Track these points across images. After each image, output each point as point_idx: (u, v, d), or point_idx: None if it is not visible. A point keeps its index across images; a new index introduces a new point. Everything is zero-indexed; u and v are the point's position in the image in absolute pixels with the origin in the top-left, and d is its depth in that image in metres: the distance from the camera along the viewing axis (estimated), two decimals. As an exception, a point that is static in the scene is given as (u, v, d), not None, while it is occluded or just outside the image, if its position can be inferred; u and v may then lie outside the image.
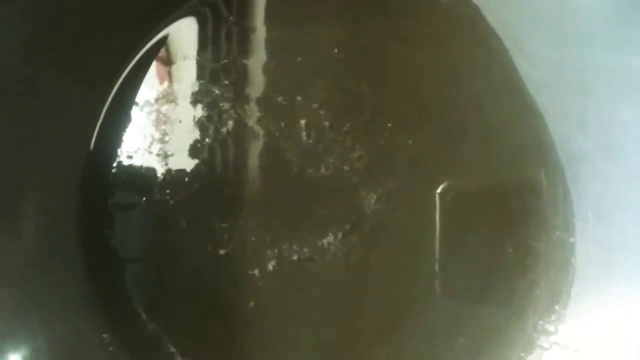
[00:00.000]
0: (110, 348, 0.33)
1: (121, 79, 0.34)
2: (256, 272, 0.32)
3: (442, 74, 0.33)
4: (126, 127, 0.34)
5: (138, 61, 0.34)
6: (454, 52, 0.34)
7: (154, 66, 0.35)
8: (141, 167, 0.34)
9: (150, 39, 0.35)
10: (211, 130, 0.34)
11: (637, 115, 0.29)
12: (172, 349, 0.33)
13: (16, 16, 0.30)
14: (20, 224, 0.32)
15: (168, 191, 0.33)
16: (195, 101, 0.34)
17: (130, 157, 0.34)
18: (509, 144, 0.33)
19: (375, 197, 0.33)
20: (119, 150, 0.34)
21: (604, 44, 0.30)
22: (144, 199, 0.34)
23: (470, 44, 0.34)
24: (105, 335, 0.33)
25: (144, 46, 0.34)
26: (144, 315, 0.33)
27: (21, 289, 0.31)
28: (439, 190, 0.32)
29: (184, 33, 0.35)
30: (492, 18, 0.34)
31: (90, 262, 0.34)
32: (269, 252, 0.33)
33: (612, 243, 0.29)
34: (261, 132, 0.33)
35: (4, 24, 0.29)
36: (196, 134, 0.34)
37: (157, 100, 0.34)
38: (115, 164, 0.34)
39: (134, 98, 0.34)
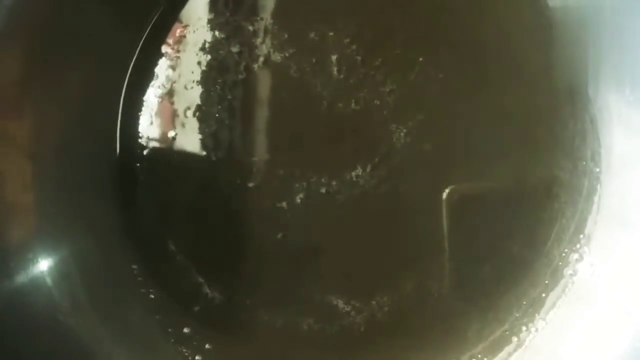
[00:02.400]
0: (140, 278, 0.34)
1: (155, 17, 0.35)
2: (284, 204, 0.33)
3: (473, 10, 0.33)
4: (158, 64, 0.35)
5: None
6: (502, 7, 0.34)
7: (186, 2, 0.35)
8: (172, 102, 0.35)
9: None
10: (242, 66, 0.34)
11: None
12: (200, 279, 0.34)
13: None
14: (58, 152, 0.33)
15: (198, 125, 0.34)
16: (227, 37, 0.34)
17: (162, 91, 0.35)
18: (538, 74, 0.33)
19: (405, 130, 0.33)
20: (151, 84, 0.35)
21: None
22: (174, 133, 0.35)
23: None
24: (134, 266, 0.34)
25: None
26: (172, 246, 0.34)
27: (53, 220, 0.32)
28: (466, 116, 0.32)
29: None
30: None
31: (121, 195, 0.34)
32: (297, 185, 0.33)
33: (637, 172, 0.29)
34: (292, 68, 0.34)
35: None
36: (228, 70, 0.34)
37: (188, 35, 0.34)
38: (146, 99, 0.35)
39: (167, 34, 0.35)
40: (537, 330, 0.32)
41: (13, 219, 0.31)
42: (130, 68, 0.35)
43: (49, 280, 0.31)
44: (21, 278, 0.30)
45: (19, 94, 0.31)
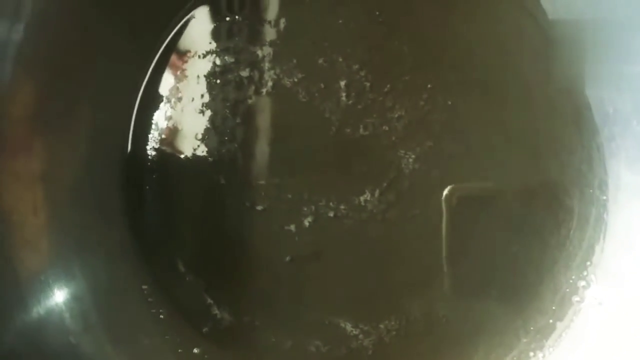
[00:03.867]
0: (150, 299, 0.34)
1: (166, 41, 0.36)
2: (292, 227, 0.33)
3: (480, 36, 0.33)
4: (168, 88, 0.35)
5: (181, 20, 0.35)
6: (492, 15, 0.34)
7: (197, 26, 0.35)
8: (181, 125, 0.35)
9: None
10: (251, 90, 0.35)
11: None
12: (209, 301, 0.34)
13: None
14: (69, 174, 0.34)
15: (207, 149, 0.35)
16: (236, 61, 0.35)
17: (172, 115, 0.35)
18: (545, 102, 0.33)
19: (413, 156, 0.33)
20: (161, 106, 0.35)
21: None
22: (184, 156, 0.35)
23: (507, 6, 0.34)
24: (145, 287, 0.35)
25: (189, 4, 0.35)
26: (182, 267, 0.35)
27: (64, 243, 0.33)
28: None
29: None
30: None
31: (131, 217, 0.35)
32: (305, 208, 0.33)
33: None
34: (301, 93, 0.34)
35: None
36: (237, 94, 0.35)
37: (198, 59, 0.35)
38: (155, 122, 0.35)
39: (177, 58, 0.35)
40: (544, 356, 0.32)
41: (25, 243, 0.32)
42: (140, 92, 0.36)
43: (60, 302, 0.32)
44: (33, 301, 0.31)
45: (31, 126, 0.32)
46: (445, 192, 0.33)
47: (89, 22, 0.32)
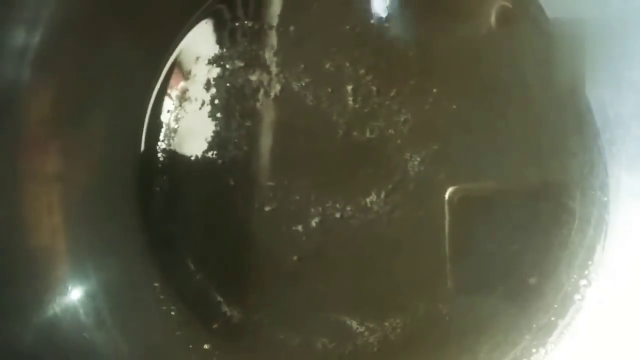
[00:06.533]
0: (161, 296, 0.35)
1: (178, 46, 0.36)
2: (300, 227, 0.34)
3: (485, 41, 0.34)
4: (178, 92, 0.36)
5: (192, 25, 0.36)
6: (495, 19, 0.34)
7: (207, 31, 0.36)
8: (192, 128, 0.36)
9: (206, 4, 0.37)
10: (260, 94, 0.35)
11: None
12: (219, 298, 0.35)
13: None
14: (83, 175, 0.35)
15: (216, 151, 0.36)
16: (246, 65, 0.36)
17: (182, 118, 0.36)
18: (548, 106, 0.33)
19: (418, 159, 0.34)
20: (172, 109, 0.36)
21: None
22: (194, 158, 0.36)
23: (510, 13, 0.34)
24: (156, 284, 0.35)
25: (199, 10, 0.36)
26: (192, 266, 0.36)
27: (79, 242, 0.34)
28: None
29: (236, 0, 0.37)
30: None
31: (143, 216, 0.36)
32: (312, 209, 0.34)
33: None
34: (309, 97, 0.35)
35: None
36: (246, 97, 0.35)
37: (208, 64, 0.36)
38: (166, 124, 0.36)
39: (188, 62, 0.36)
40: (547, 353, 0.33)
41: (40, 241, 0.33)
42: (153, 95, 0.36)
43: (75, 300, 0.33)
44: (49, 299, 0.32)
45: (48, 128, 0.33)
46: (450, 193, 0.33)
47: (105, 28, 0.33)
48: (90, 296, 0.34)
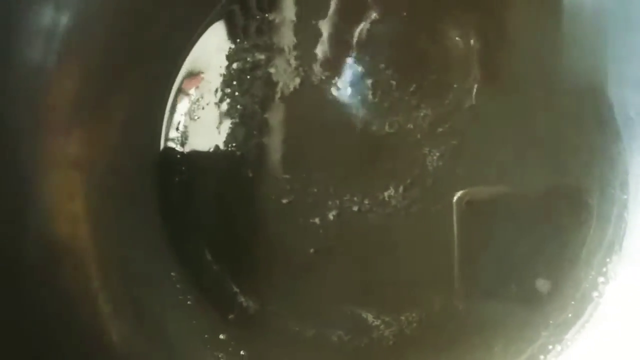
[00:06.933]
0: (178, 285, 0.36)
1: (200, 38, 0.36)
2: (317, 220, 0.34)
3: (505, 37, 0.34)
4: (199, 83, 0.36)
5: (214, 17, 0.36)
6: (515, 15, 0.34)
7: (228, 24, 0.36)
8: (211, 120, 0.36)
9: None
10: (279, 87, 0.36)
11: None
12: (235, 289, 0.35)
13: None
14: (103, 163, 0.35)
15: (235, 142, 0.36)
16: (266, 58, 0.36)
17: (202, 110, 0.36)
18: (568, 104, 0.33)
19: (437, 154, 0.34)
20: (192, 100, 0.36)
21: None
22: (212, 149, 0.36)
23: (528, 5, 0.34)
24: (173, 274, 0.36)
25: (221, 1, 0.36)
26: (209, 256, 0.36)
27: (98, 230, 0.34)
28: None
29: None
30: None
31: (161, 206, 0.36)
32: (330, 202, 0.34)
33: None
34: (327, 91, 0.35)
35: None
36: (265, 90, 0.35)
37: (227, 57, 0.36)
38: (186, 114, 0.36)
39: (208, 54, 0.36)
40: (562, 349, 0.33)
41: (59, 226, 0.33)
42: (174, 86, 0.37)
43: (93, 288, 0.33)
44: (66, 283, 0.32)
45: (71, 112, 0.33)
46: (468, 189, 0.33)
47: (136, 16, 0.33)
48: (107, 284, 0.34)
